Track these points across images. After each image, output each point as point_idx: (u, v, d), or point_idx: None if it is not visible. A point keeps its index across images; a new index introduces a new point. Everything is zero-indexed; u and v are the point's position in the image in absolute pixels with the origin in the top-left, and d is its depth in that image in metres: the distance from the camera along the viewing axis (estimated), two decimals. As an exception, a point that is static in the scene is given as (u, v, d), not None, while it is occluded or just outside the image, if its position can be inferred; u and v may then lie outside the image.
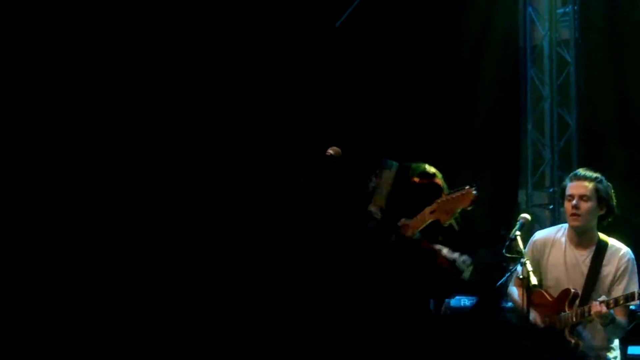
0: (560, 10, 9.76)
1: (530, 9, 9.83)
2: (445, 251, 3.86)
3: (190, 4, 8.98)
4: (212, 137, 9.21)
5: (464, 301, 7.45)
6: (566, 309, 5.24)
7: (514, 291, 5.57)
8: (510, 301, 5.75)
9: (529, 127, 9.68)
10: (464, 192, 3.59)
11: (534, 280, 4.82)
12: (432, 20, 9.56)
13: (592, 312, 5.05)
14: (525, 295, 4.91)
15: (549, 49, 9.72)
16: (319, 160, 3.91)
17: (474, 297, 7.35)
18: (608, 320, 5.05)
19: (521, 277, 5.02)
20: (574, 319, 5.20)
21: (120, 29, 8.45)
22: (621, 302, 5.06)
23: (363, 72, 8.99)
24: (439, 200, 3.62)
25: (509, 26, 9.85)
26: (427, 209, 3.65)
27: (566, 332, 5.23)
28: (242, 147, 9.24)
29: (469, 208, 3.69)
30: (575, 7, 9.58)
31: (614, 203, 5.38)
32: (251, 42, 9.36)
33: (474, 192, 3.60)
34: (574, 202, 5.27)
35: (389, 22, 9.42)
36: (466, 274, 3.91)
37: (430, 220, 3.63)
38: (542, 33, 9.75)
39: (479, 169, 9.53)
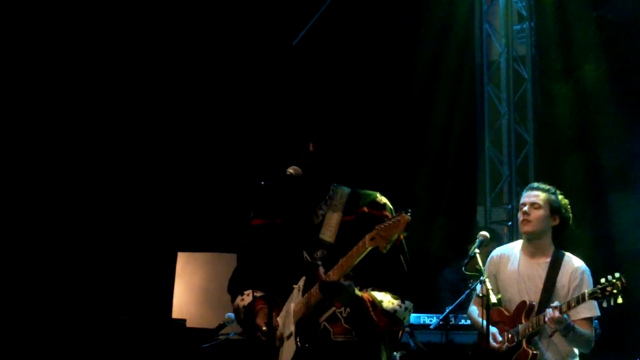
0: (517, 27, 9.79)
1: (486, 25, 9.86)
2: (385, 302, 3.78)
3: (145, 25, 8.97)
4: (168, 155, 9.16)
5: (423, 319, 7.40)
6: (523, 321, 5.25)
7: (474, 310, 5.61)
8: (469, 320, 5.75)
9: (487, 143, 9.68)
10: (399, 218, 3.53)
11: (493, 298, 4.85)
12: (389, 38, 9.56)
13: (546, 319, 5.05)
14: (484, 313, 4.93)
15: (505, 66, 9.74)
16: (279, 179, 3.82)
17: (434, 315, 7.30)
18: (564, 327, 5.03)
19: (480, 295, 5.03)
20: (531, 329, 5.21)
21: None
22: (573, 304, 5.05)
23: (319, 90, 8.97)
24: (377, 227, 3.56)
25: (466, 43, 9.87)
26: (367, 236, 3.59)
27: (524, 344, 5.23)
28: (198, 166, 9.20)
29: (404, 234, 3.63)
30: (532, 24, 9.61)
31: (569, 215, 5.41)
32: (208, 60, 9.31)
33: (408, 217, 3.54)
34: (525, 208, 5.40)
35: (346, 39, 9.41)
36: (406, 320, 3.86)
37: (370, 248, 3.57)
38: (499, 49, 9.77)
39: (437, 186, 9.52)
